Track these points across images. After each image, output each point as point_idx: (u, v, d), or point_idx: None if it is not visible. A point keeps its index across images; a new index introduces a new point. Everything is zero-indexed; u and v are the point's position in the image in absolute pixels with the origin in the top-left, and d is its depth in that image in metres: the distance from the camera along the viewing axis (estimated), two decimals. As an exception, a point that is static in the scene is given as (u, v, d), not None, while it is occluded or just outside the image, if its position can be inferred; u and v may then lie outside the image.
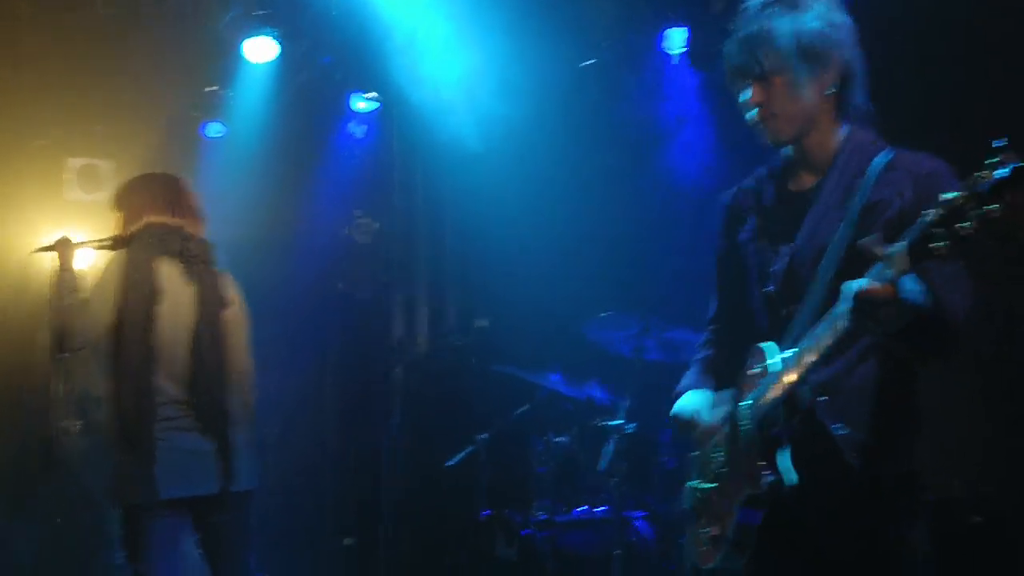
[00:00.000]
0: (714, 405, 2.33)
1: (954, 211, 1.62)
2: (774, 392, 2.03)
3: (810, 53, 2.10)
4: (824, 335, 1.92)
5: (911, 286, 1.81)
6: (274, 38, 5.73)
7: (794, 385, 1.99)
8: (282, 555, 5.92)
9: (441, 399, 6.06)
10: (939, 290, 1.89)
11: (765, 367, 2.09)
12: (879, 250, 1.76)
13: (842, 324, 1.86)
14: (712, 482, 2.26)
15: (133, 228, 3.32)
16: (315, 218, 6.59)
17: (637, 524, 4.56)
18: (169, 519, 3.13)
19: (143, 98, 6.20)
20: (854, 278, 1.81)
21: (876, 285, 1.77)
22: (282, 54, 5.85)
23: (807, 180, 2.21)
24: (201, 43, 5.88)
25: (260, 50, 5.78)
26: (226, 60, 5.95)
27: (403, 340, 6.52)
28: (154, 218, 3.33)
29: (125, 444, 3.10)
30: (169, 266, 3.27)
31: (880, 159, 2.10)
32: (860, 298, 1.80)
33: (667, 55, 5.49)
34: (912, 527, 2.07)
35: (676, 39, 5.42)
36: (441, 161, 6.30)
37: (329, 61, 6.11)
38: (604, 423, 4.60)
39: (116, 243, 3.33)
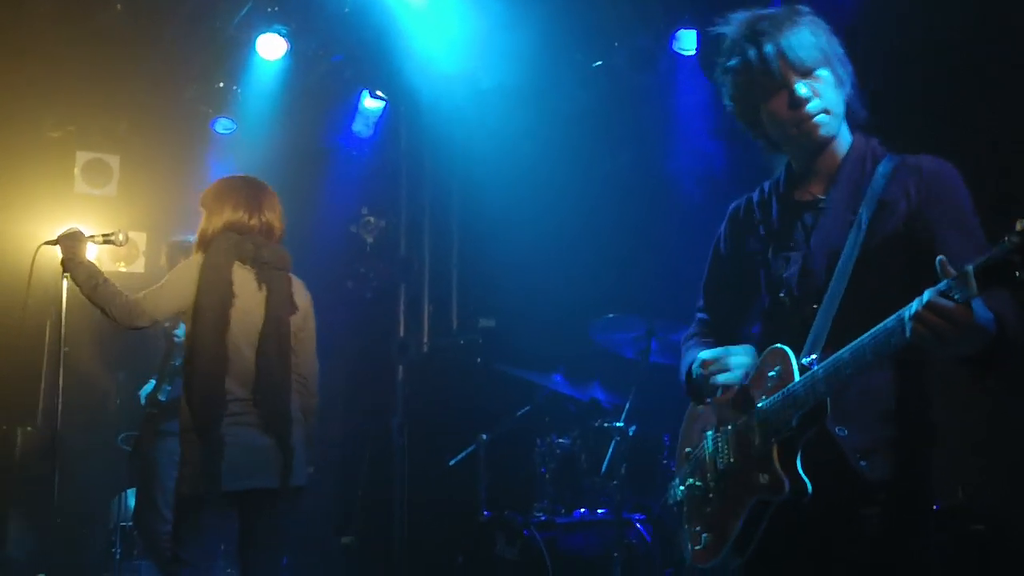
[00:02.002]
0: (740, 355, 2.21)
1: None
2: (799, 400, 1.98)
3: (836, 54, 2.12)
4: (867, 349, 1.83)
5: (983, 311, 1.74)
6: (285, 35, 5.74)
7: (823, 395, 1.94)
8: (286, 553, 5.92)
9: (444, 398, 6.05)
10: (1003, 313, 1.81)
11: (787, 371, 2.04)
12: (951, 269, 1.69)
13: (896, 340, 1.78)
14: (711, 480, 2.23)
15: (212, 230, 3.44)
16: (323, 216, 6.60)
17: (637, 526, 4.54)
18: (221, 513, 3.27)
19: (155, 94, 6.24)
20: (869, 283, 1.76)
21: (948, 304, 1.69)
22: (293, 51, 5.86)
23: (816, 188, 2.20)
24: (213, 41, 5.91)
25: (272, 47, 5.79)
26: (237, 57, 5.98)
27: (407, 338, 6.52)
28: (233, 221, 3.44)
29: (193, 438, 3.25)
30: (242, 270, 3.40)
31: (885, 164, 2.12)
32: (930, 311, 1.70)
33: (679, 56, 5.47)
34: (914, 533, 2.04)
35: (688, 40, 5.40)
36: (449, 161, 6.30)
37: (340, 59, 6.12)
38: (606, 425, 4.60)
39: (196, 244, 3.50)
